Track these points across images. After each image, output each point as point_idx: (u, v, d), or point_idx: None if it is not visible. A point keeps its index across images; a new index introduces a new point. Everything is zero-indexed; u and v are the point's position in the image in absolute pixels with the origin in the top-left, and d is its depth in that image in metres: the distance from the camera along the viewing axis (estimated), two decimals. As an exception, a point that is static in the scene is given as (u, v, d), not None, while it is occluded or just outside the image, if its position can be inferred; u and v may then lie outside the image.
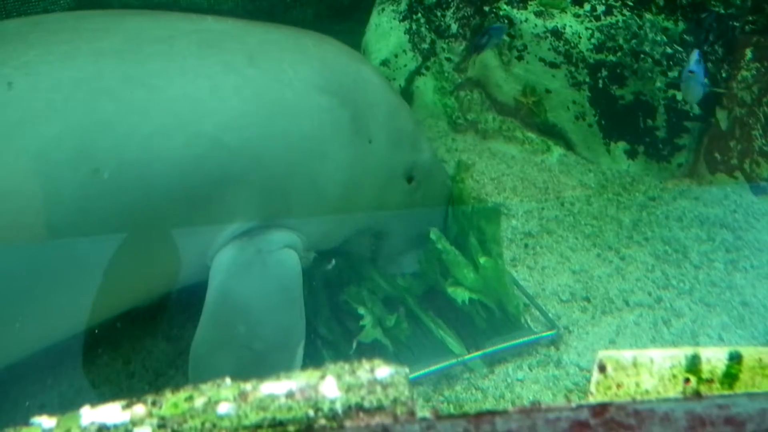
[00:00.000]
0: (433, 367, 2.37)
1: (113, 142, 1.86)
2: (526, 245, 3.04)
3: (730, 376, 1.03)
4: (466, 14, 3.85)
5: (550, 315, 2.65)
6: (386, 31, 3.95)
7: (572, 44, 3.53)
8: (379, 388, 0.75)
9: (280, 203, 2.14)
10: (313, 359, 2.30)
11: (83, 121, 1.85)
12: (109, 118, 1.87)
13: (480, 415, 0.72)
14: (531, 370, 2.44)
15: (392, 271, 2.64)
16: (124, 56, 1.98)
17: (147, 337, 2.48)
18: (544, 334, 2.55)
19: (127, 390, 2.32)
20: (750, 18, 3.47)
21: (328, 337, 2.45)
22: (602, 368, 1.04)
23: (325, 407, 0.74)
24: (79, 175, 1.82)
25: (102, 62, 1.93)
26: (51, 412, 0.79)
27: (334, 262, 2.57)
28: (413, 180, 2.50)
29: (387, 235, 2.61)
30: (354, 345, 2.38)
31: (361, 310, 2.41)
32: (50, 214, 1.81)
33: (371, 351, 2.38)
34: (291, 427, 0.73)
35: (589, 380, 2.38)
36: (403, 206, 2.52)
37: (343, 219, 2.34)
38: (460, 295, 2.49)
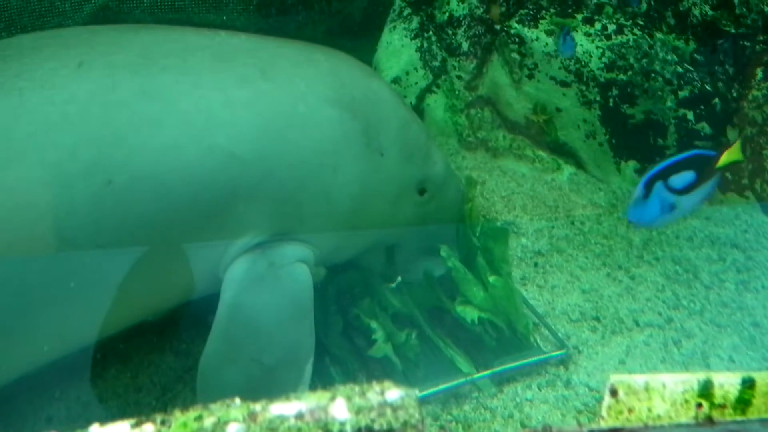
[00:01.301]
0: (441, 386, 2.36)
1: (127, 155, 1.87)
2: (535, 264, 3.03)
3: (742, 402, 1.02)
4: (477, 32, 3.85)
5: (559, 334, 2.63)
6: (397, 49, 3.96)
7: (583, 63, 3.54)
8: (389, 411, 0.75)
9: (292, 216, 2.15)
10: (321, 376, 2.30)
11: (97, 133, 1.86)
12: (123, 131, 1.88)
13: (491, 439, 0.72)
14: (540, 390, 2.43)
15: (405, 278, 2.62)
16: (138, 69, 1.99)
17: (155, 352, 2.48)
18: (554, 353, 2.54)
19: (134, 404, 2.31)
20: (761, 38, 3.47)
21: (336, 354, 2.44)
22: (614, 392, 1.03)
23: (335, 429, 0.73)
24: (93, 187, 1.83)
25: (116, 75, 1.95)
26: (58, 426, 0.79)
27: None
28: (426, 192, 2.50)
29: (400, 246, 2.61)
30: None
31: (374, 325, 2.40)
32: (63, 225, 1.82)
33: (381, 369, 2.37)
34: (300, 449, 0.72)
35: (598, 401, 2.36)
36: (416, 218, 2.52)
37: (356, 232, 2.34)
38: (470, 314, 2.47)
